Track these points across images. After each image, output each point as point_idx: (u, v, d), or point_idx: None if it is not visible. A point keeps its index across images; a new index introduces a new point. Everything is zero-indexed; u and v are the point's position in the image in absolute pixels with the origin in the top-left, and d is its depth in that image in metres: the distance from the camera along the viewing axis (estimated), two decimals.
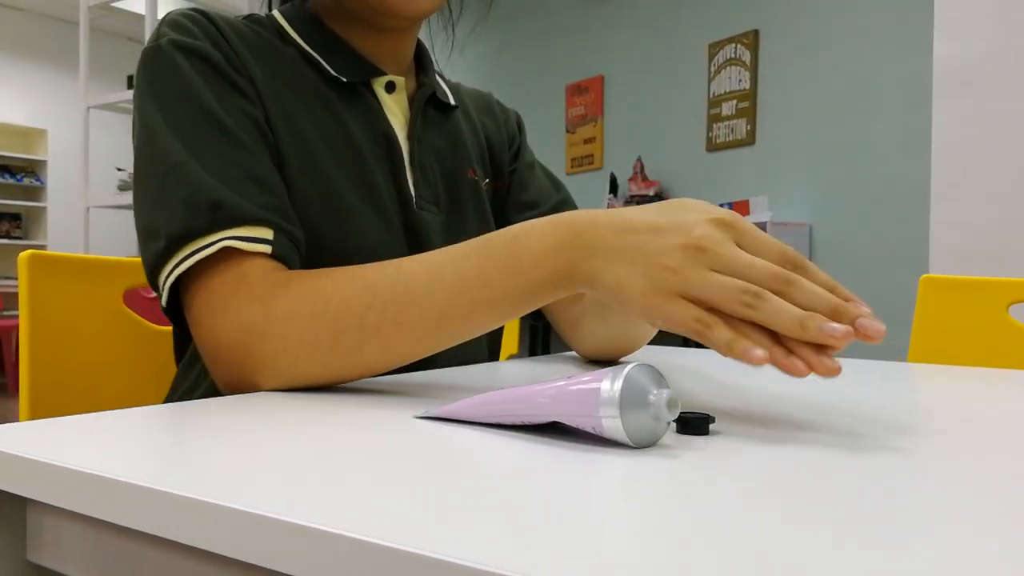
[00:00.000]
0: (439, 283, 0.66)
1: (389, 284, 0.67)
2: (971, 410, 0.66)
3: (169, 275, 0.72)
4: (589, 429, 0.48)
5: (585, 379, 0.49)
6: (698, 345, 4.95)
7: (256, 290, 0.70)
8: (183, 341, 0.89)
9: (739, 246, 0.56)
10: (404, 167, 0.91)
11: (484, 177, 1.04)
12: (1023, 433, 0.56)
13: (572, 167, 5.93)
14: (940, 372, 0.95)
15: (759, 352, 0.52)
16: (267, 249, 0.72)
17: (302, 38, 0.89)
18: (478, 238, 0.68)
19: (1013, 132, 2.18)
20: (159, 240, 0.72)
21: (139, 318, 1.05)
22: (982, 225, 2.22)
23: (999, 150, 2.21)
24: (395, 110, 0.93)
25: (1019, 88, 2.18)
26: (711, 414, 0.54)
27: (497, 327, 0.69)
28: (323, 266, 0.77)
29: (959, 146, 2.27)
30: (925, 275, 1.44)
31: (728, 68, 4.92)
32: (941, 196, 2.31)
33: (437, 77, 1.02)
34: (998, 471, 0.44)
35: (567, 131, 5.99)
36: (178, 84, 0.77)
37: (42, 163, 8.11)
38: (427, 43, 1.04)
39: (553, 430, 0.52)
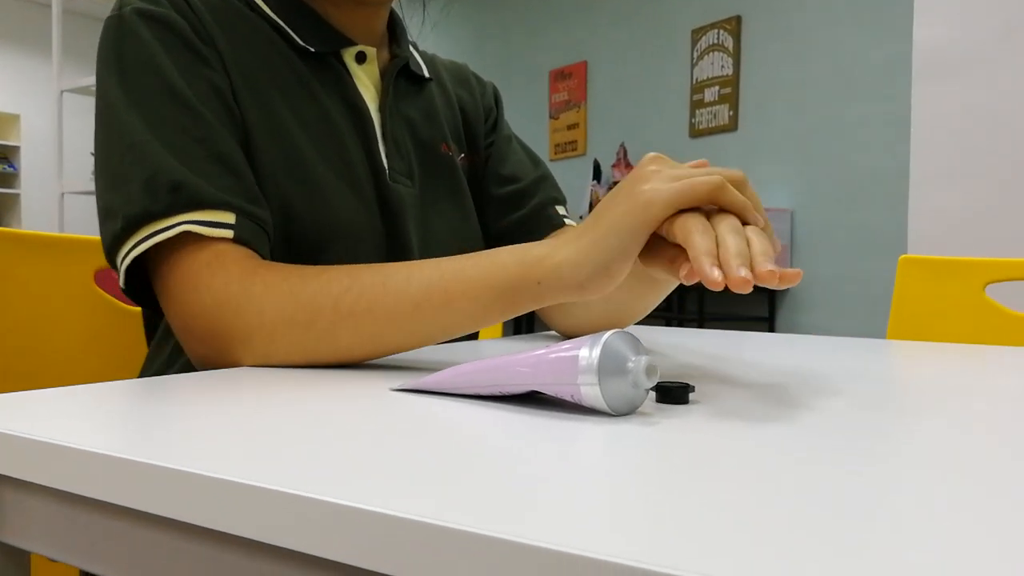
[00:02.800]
0: (417, 275, 0.66)
1: (370, 271, 0.67)
2: (945, 382, 0.65)
3: (125, 256, 0.70)
4: (567, 398, 0.47)
5: (563, 347, 0.48)
6: (680, 323, 4.96)
7: (233, 268, 0.69)
8: (153, 320, 0.88)
9: None
10: (376, 139, 0.88)
11: (460, 151, 1.01)
12: (996, 404, 0.55)
13: (555, 153, 5.92)
14: (917, 348, 0.95)
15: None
16: (228, 234, 0.70)
17: (269, 6, 0.86)
18: (455, 259, 0.66)
19: (993, 117, 2.19)
20: (116, 221, 0.70)
21: (110, 298, 1.04)
22: (961, 209, 2.23)
23: (979, 135, 2.21)
24: (366, 81, 0.90)
25: (998, 73, 2.18)
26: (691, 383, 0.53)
27: (471, 330, 0.68)
28: (295, 240, 0.76)
29: (939, 131, 2.28)
30: (904, 255, 1.44)
31: (711, 54, 4.92)
32: (921, 181, 2.32)
33: (411, 49, 1.00)
34: (971, 440, 0.44)
35: (550, 117, 5.98)
36: (141, 56, 0.75)
37: (15, 149, 7.99)
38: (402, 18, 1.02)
39: (531, 400, 0.52)
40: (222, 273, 0.68)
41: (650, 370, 0.45)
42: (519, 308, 0.64)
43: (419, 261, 0.68)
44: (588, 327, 0.95)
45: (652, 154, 0.61)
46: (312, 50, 0.86)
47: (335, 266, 0.69)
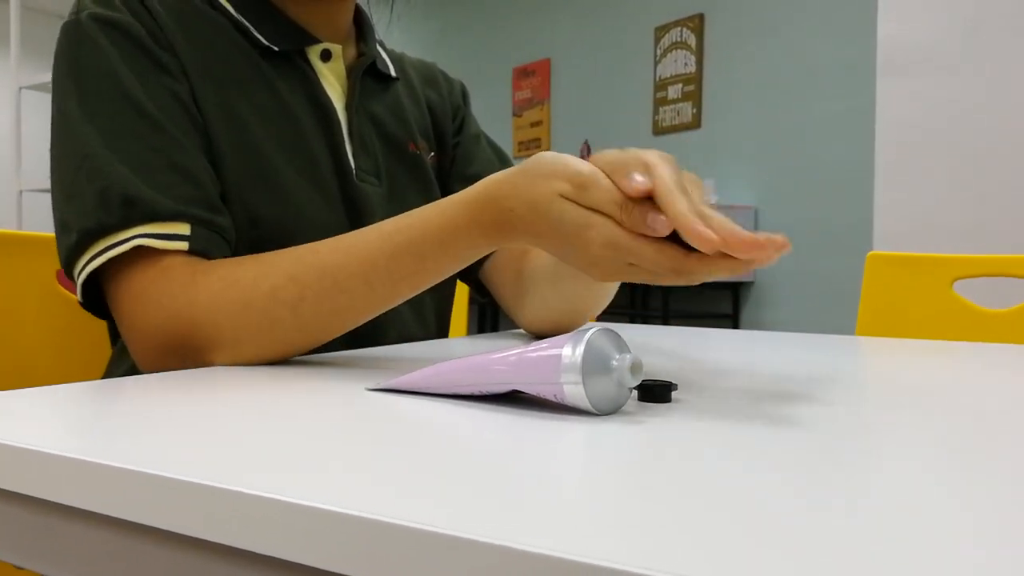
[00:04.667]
0: (376, 277, 0.67)
1: (316, 277, 0.67)
2: (918, 378, 0.66)
3: (81, 271, 0.69)
4: (550, 397, 0.46)
5: (544, 345, 0.47)
6: (645, 320, 4.97)
7: (177, 280, 0.68)
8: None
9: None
10: (343, 138, 0.87)
11: (428, 150, 1.00)
12: (968, 399, 0.56)
13: (519, 151, 5.91)
14: (887, 344, 0.96)
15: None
16: (183, 246, 0.69)
17: (231, 4, 0.83)
18: (402, 230, 0.66)
19: (956, 112, 2.22)
20: (71, 235, 0.69)
21: (73, 296, 1.01)
22: (926, 205, 2.26)
23: (943, 131, 2.24)
24: (332, 80, 0.89)
25: (962, 69, 2.21)
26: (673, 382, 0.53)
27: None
28: (262, 245, 0.74)
29: (903, 127, 2.30)
30: (872, 252, 1.45)
31: (674, 52, 4.94)
32: (885, 177, 2.34)
33: (378, 47, 0.98)
34: (946, 435, 0.44)
35: (514, 115, 5.97)
36: (98, 64, 0.73)
37: None
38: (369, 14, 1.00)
39: (511, 400, 0.51)
40: (167, 288, 0.67)
41: (635, 368, 0.45)
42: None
43: (360, 252, 0.67)
44: (547, 321, 0.94)
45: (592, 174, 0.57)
46: (276, 49, 0.83)
47: (274, 263, 0.68)
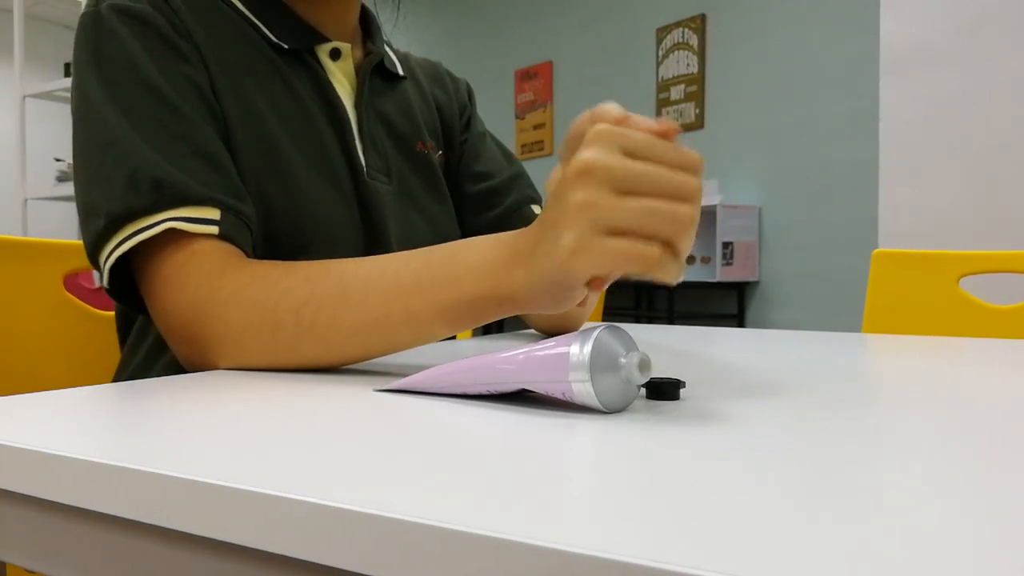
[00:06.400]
0: (375, 287, 0.62)
1: (329, 281, 0.64)
2: (925, 374, 0.66)
3: (110, 255, 0.68)
4: (558, 395, 0.46)
5: (551, 344, 0.47)
6: (650, 320, 4.95)
7: (206, 268, 0.67)
8: (127, 321, 0.86)
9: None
10: (353, 137, 0.87)
11: (437, 148, 1.01)
12: (976, 395, 0.55)
13: (522, 153, 5.91)
14: (894, 341, 0.95)
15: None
16: (213, 230, 0.68)
17: (242, 3, 0.84)
18: (423, 249, 0.64)
19: (960, 110, 2.21)
20: (99, 219, 0.68)
21: (79, 302, 1.01)
22: (931, 202, 2.25)
23: (947, 128, 2.24)
24: (341, 78, 0.89)
25: (965, 66, 2.21)
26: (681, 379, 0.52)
27: (434, 340, 0.64)
28: (274, 238, 0.74)
29: (907, 125, 2.30)
30: (878, 249, 1.45)
31: (676, 52, 4.94)
32: (889, 175, 2.34)
33: (385, 46, 0.99)
34: (954, 432, 0.44)
35: (516, 117, 5.97)
36: (118, 52, 0.73)
37: None
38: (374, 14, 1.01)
39: (519, 398, 0.51)
40: (195, 274, 0.67)
41: (643, 365, 0.45)
42: (479, 323, 0.61)
43: (377, 263, 0.64)
44: (544, 322, 0.98)
45: (599, 131, 0.56)
46: (286, 47, 0.84)
47: (298, 267, 0.66)
